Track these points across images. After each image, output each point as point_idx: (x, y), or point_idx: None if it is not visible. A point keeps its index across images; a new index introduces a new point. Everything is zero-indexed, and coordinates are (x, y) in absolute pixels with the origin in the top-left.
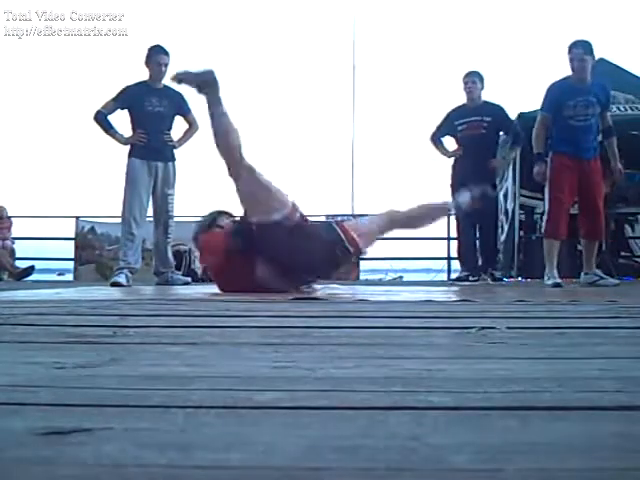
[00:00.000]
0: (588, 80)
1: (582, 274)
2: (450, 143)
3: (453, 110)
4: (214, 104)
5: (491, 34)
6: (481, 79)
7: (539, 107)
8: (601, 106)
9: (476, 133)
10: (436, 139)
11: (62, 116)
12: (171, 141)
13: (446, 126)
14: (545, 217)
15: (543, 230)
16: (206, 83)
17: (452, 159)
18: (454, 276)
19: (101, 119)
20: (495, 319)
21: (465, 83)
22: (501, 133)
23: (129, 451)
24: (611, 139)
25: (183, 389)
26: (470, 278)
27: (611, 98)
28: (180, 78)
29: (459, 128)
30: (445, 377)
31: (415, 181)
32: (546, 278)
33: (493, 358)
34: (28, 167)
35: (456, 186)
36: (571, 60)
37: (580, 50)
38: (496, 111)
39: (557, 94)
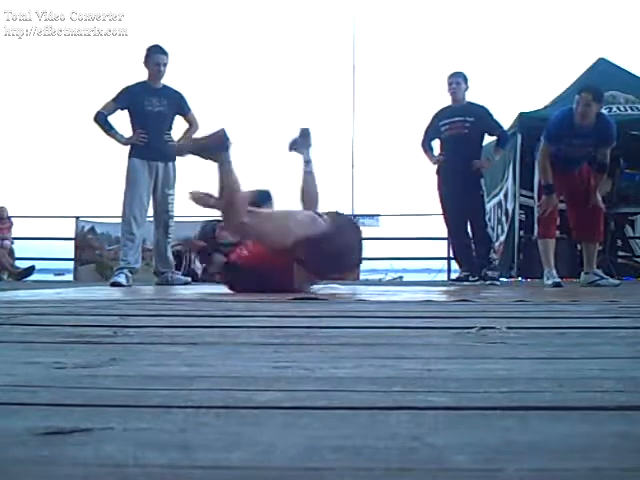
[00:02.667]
0: (591, 123)
1: (582, 274)
2: (437, 146)
3: (438, 112)
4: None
5: (492, 33)
6: (465, 80)
7: (543, 135)
8: (598, 145)
9: (459, 133)
10: (426, 145)
11: (62, 116)
12: (171, 141)
13: (433, 129)
14: (537, 220)
15: (535, 232)
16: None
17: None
18: (454, 276)
19: (101, 120)
20: (495, 319)
21: (449, 84)
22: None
23: (129, 451)
24: (602, 175)
25: (183, 389)
26: (470, 278)
27: (613, 134)
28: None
29: (442, 129)
30: (445, 377)
31: (415, 181)
32: (545, 278)
33: (493, 358)
34: (28, 167)
35: (442, 188)
36: (577, 103)
37: (589, 96)
38: (479, 111)
39: (559, 129)
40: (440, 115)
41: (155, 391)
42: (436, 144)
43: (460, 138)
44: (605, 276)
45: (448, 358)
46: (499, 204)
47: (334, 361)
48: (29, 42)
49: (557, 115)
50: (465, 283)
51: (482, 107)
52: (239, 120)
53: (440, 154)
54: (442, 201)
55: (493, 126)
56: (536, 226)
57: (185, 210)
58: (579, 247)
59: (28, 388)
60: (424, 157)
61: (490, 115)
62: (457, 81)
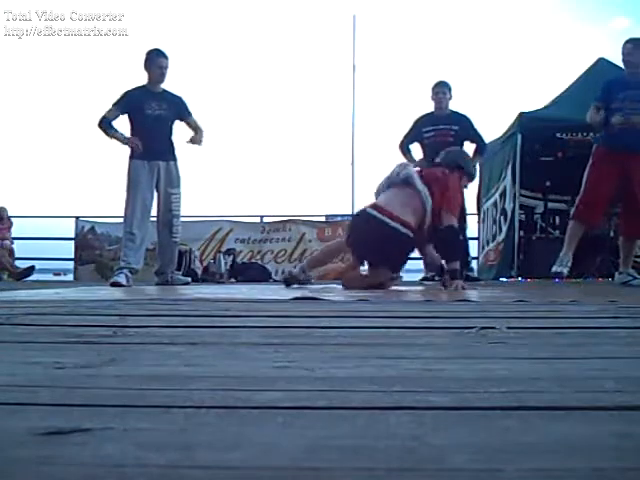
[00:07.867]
0: None
1: (616, 273)
2: (416, 149)
3: (420, 118)
4: None
5: (493, 33)
6: (450, 89)
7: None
8: None
9: (444, 141)
10: (404, 147)
11: (62, 116)
12: (172, 143)
13: (414, 134)
14: (577, 200)
15: (572, 212)
16: None
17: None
18: (420, 277)
19: (106, 126)
20: (495, 319)
21: (435, 93)
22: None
23: (129, 451)
24: None
25: (183, 389)
26: (436, 278)
27: None
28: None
29: (426, 135)
30: (445, 377)
31: None
32: (556, 264)
33: (493, 358)
34: (28, 167)
35: None
36: (622, 54)
37: (630, 45)
38: (463, 121)
39: (609, 85)
40: (423, 121)
41: (155, 391)
42: (414, 148)
43: (444, 145)
44: (638, 276)
45: (448, 358)
46: (494, 204)
47: (334, 361)
48: (29, 42)
49: (608, 79)
50: (431, 283)
51: (465, 116)
52: (239, 119)
53: (422, 159)
54: None
55: (474, 135)
56: (575, 207)
57: (185, 210)
58: (581, 245)
59: (28, 388)
60: (403, 159)
61: (472, 124)
62: (443, 90)
